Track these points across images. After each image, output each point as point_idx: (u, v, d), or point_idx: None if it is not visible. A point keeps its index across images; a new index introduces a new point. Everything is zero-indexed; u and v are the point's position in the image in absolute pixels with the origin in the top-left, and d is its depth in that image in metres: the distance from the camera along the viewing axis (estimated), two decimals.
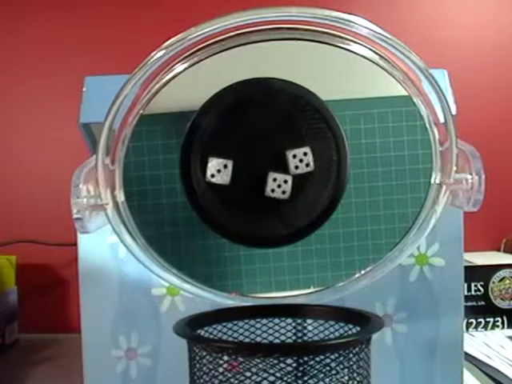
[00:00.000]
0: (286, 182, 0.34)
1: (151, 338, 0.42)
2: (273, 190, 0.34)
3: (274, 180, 0.34)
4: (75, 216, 0.31)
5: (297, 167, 0.34)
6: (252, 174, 0.34)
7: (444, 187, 0.34)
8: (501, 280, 0.64)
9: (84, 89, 0.40)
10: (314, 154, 0.34)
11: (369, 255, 0.38)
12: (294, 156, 0.34)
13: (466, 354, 0.56)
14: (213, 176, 0.34)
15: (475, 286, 0.64)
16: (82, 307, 0.42)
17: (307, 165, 0.34)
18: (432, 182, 0.35)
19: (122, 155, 0.33)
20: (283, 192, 0.34)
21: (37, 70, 0.80)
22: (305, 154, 0.34)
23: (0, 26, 0.81)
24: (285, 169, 0.34)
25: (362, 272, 0.37)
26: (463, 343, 0.43)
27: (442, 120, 0.33)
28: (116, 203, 0.33)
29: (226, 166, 0.34)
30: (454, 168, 0.33)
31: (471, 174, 0.33)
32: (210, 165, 0.34)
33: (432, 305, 0.42)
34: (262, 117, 0.34)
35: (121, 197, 0.33)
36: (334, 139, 0.35)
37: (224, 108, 0.34)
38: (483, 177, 0.32)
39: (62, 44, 0.80)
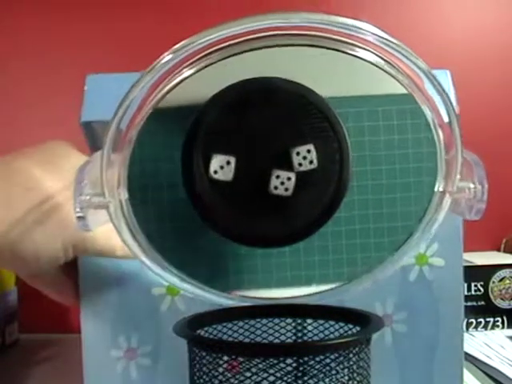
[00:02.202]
0: (289, 179, 0.34)
1: (151, 337, 0.42)
2: (276, 187, 0.34)
3: (278, 177, 0.34)
4: (78, 214, 0.30)
5: (300, 164, 0.34)
6: (255, 171, 0.34)
7: (447, 195, 0.34)
8: (501, 280, 0.64)
9: (85, 87, 0.40)
10: (317, 152, 0.34)
11: (371, 253, 0.38)
12: (298, 153, 0.34)
13: (466, 353, 0.56)
14: (216, 172, 0.34)
15: (475, 286, 0.64)
16: (81, 307, 0.42)
17: (311, 162, 0.34)
18: (435, 189, 0.34)
19: (127, 154, 0.33)
20: (286, 189, 0.34)
21: (37, 68, 0.80)
22: (308, 151, 0.34)
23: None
24: (288, 166, 0.34)
25: (364, 274, 0.37)
26: (463, 343, 0.43)
27: (448, 127, 0.33)
28: (119, 201, 0.33)
29: (228, 163, 0.34)
30: (458, 176, 0.33)
31: (474, 183, 0.32)
32: (213, 161, 0.34)
33: (432, 305, 0.42)
34: (266, 114, 0.34)
35: (124, 195, 0.33)
36: (336, 138, 0.35)
37: (228, 105, 0.34)
38: (486, 186, 0.32)
39: (63, 41, 0.80)
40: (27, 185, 0.36)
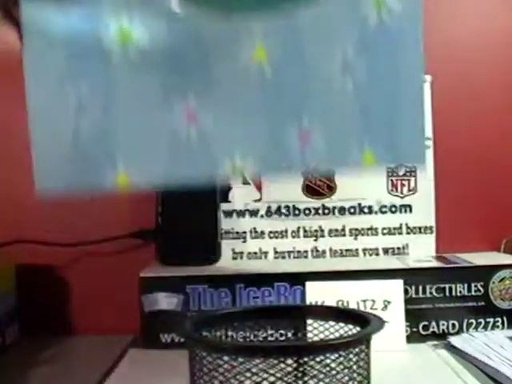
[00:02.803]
0: None
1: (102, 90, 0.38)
2: None
3: None
4: None
5: None
6: None
7: None
8: (501, 280, 0.64)
9: None
10: None
11: None
12: None
13: (466, 354, 0.56)
14: None
15: (475, 286, 0.64)
16: (24, 61, 0.39)
17: None
18: None
19: None
20: None
21: None
22: None
23: None
24: None
25: None
26: (424, 94, 0.42)
27: None
28: None
29: None
30: None
31: None
32: None
33: (391, 53, 0.41)
34: None
35: None
36: None
37: None
38: None
39: None
40: None
